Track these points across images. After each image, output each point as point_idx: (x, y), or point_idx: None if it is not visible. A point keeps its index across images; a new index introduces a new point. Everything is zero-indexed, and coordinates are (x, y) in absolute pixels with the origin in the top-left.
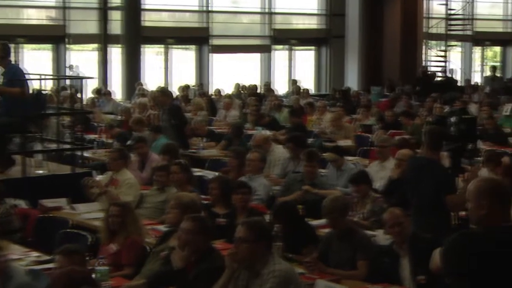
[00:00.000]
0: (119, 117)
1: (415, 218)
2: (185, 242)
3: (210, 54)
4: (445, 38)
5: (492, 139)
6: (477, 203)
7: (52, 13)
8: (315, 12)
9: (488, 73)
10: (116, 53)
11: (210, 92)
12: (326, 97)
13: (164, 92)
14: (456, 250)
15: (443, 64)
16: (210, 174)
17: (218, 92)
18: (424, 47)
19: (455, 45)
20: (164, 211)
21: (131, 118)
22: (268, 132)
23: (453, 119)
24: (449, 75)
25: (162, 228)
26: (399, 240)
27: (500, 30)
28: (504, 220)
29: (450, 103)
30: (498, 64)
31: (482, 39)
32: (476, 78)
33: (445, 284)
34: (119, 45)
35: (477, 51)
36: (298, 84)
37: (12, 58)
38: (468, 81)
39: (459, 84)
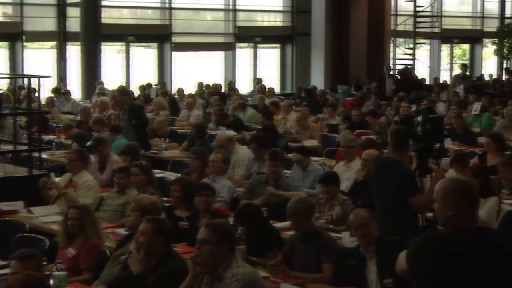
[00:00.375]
0: (78, 117)
1: (380, 219)
2: (143, 244)
3: (172, 52)
4: (413, 35)
5: (461, 139)
6: (444, 204)
7: (8, 9)
8: (280, 9)
9: (457, 71)
10: (74, 51)
11: (172, 91)
12: (291, 96)
13: (123, 91)
14: (423, 251)
15: (410, 62)
16: (172, 176)
17: (180, 91)
18: (391, 45)
19: (423, 43)
20: (125, 214)
21: (91, 118)
22: (232, 133)
23: (419, 119)
24: (416, 73)
25: (122, 231)
26: (365, 242)
27: (469, 27)
28: (471, 220)
29: (417, 102)
30: (467, 62)
31: (451, 37)
32: (444, 77)
33: (412, 287)
34: (78, 43)
35: (445, 49)
36: (262, 83)
37: None
38: (436, 79)
39: (427, 82)
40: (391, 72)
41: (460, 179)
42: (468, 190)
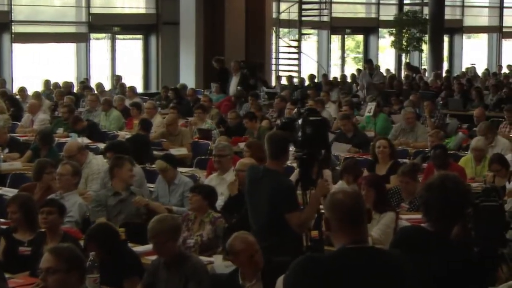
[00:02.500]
0: None
1: (256, 240)
2: None
3: (13, 44)
4: (298, 25)
5: (352, 145)
6: (327, 222)
7: None
8: None
9: (351, 65)
10: None
11: (13, 91)
12: (156, 96)
13: None
14: (297, 273)
15: (296, 56)
16: (11, 192)
17: (22, 90)
18: (273, 36)
19: (310, 34)
20: None
21: None
22: (85, 140)
23: (300, 122)
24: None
25: None
26: (249, 272)
27: (363, 15)
28: (357, 240)
29: (300, 103)
30: (361, 55)
31: (342, 27)
32: (334, 73)
33: None
34: None
35: (336, 41)
36: (122, 81)
37: None
38: (325, 76)
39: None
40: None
41: (345, 193)
42: (354, 206)
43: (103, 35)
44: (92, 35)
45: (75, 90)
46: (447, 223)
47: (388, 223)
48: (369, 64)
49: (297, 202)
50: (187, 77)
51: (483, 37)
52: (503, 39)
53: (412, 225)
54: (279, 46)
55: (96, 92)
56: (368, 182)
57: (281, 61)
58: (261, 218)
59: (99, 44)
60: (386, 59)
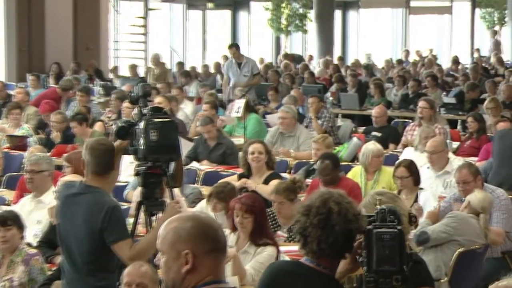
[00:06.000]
0: None
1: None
2: None
3: None
4: None
5: (213, 156)
6: (175, 254)
7: None
8: None
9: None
10: None
11: None
12: None
13: None
14: None
15: (141, 38)
16: None
17: None
18: (112, 13)
19: (157, 9)
20: None
21: None
22: None
23: (142, 126)
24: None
25: None
26: None
27: None
28: (218, 276)
29: (141, 102)
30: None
31: None
32: (192, 60)
33: None
34: None
35: (195, 17)
36: None
37: None
38: (181, 65)
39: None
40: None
41: (197, 217)
42: (212, 232)
43: None
44: None
45: None
46: (331, 256)
47: (266, 262)
48: (237, 49)
49: (125, 228)
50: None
51: (386, 12)
52: (410, 15)
53: (285, 261)
54: (118, 25)
55: None
56: (245, 207)
57: (122, 45)
58: (77, 254)
59: None
60: (261, 42)
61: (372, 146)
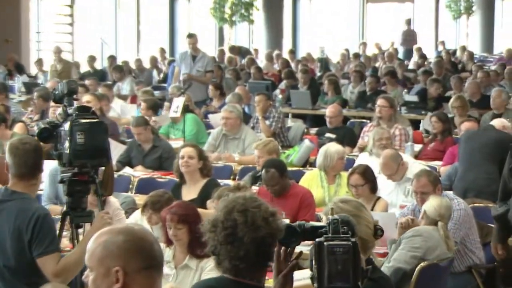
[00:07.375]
0: None
1: None
2: None
3: None
4: None
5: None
6: (103, 271)
7: None
8: None
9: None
10: None
11: None
12: None
13: None
14: None
15: (68, 29)
16: None
17: None
18: (34, 0)
19: None
20: None
21: None
22: None
23: (66, 127)
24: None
25: None
26: None
27: None
28: None
29: (67, 100)
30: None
31: None
32: (124, 54)
33: None
34: None
35: (126, 4)
36: None
37: None
38: (112, 58)
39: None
40: None
41: (130, 230)
42: (147, 247)
43: None
44: None
45: None
46: (249, 269)
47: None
48: (196, 41)
49: (54, 240)
50: None
51: (341, 0)
52: (368, 3)
53: (208, 279)
54: (41, 14)
55: None
56: (177, 217)
57: (44, 37)
58: (6, 271)
59: None
60: (202, 33)
61: (336, 147)
